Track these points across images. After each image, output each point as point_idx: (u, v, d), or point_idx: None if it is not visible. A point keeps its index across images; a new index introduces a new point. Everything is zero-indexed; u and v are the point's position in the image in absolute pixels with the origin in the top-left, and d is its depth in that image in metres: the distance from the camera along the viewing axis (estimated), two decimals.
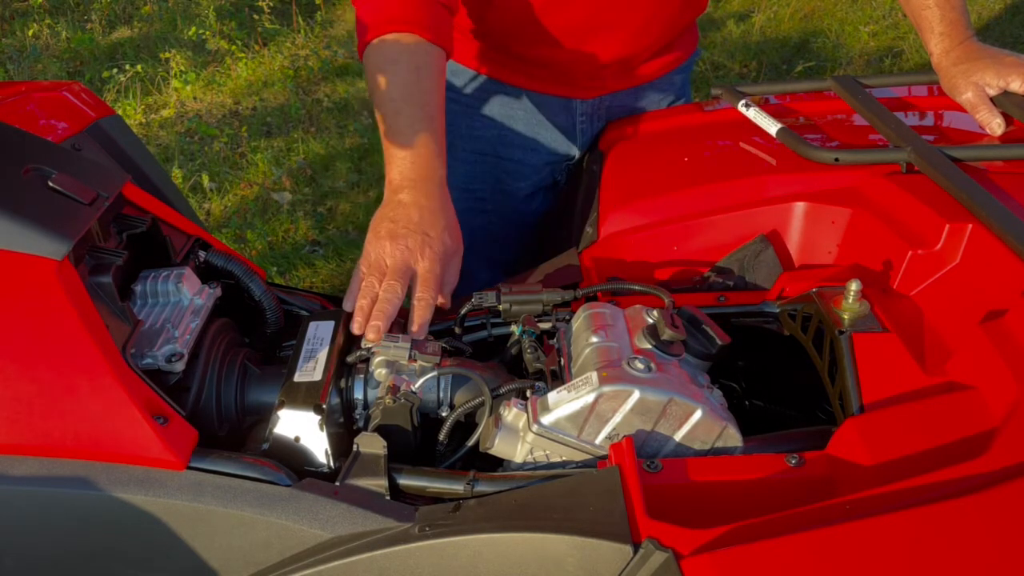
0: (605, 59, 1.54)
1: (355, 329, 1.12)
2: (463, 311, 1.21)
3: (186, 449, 0.96)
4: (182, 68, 4.21)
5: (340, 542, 0.91)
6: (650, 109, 1.71)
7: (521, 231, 1.80)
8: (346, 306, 1.17)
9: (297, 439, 1.02)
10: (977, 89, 1.39)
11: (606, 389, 0.92)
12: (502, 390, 1.05)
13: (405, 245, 1.16)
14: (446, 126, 1.69)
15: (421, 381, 1.07)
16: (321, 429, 1.02)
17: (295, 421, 1.02)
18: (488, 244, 1.81)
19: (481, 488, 0.95)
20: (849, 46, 4.38)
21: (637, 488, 0.85)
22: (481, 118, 1.66)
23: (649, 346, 1.01)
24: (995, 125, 1.37)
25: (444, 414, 1.08)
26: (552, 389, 0.98)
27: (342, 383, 1.10)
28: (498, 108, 1.64)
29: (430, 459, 1.05)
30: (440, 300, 1.19)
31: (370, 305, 1.13)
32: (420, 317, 1.14)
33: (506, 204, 1.75)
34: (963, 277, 1.11)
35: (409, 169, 1.24)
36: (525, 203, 1.75)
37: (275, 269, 3.01)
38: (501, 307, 1.19)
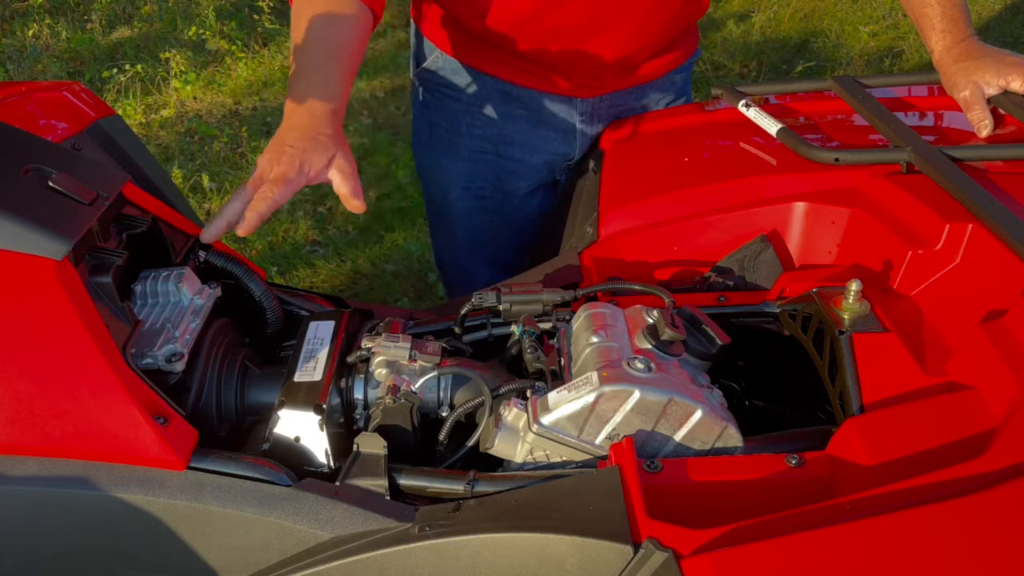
0: (605, 58, 1.54)
1: (204, 235, 1.13)
2: (463, 311, 1.21)
3: (186, 449, 0.96)
4: (182, 68, 4.21)
5: (340, 542, 0.91)
6: (651, 108, 1.71)
7: (521, 230, 1.80)
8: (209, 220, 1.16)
9: (297, 439, 1.02)
10: (975, 88, 1.38)
11: (606, 389, 0.92)
12: (502, 390, 1.04)
13: (267, 158, 1.16)
14: (448, 125, 1.69)
15: (421, 381, 1.07)
16: (321, 429, 1.02)
17: (295, 421, 1.02)
18: (489, 243, 1.81)
19: (481, 488, 0.95)
20: (849, 46, 4.38)
21: (637, 488, 0.85)
22: (482, 117, 1.66)
23: (649, 346, 1.01)
24: (983, 125, 1.37)
25: (444, 414, 1.08)
26: (552, 389, 0.98)
27: (342, 383, 1.10)
28: (499, 107, 1.65)
29: (430, 459, 1.05)
30: (344, 189, 1.17)
31: (237, 209, 1.13)
32: (255, 206, 1.10)
33: (506, 203, 1.75)
34: (963, 277, 1.10)
35: (299, 96, 1.24)
36: (525, 202, 1.75)
37: (275, 269, 3.01)
38: (501, 307, 1.19)
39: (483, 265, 1.84)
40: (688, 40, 1.72)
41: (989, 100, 1.39)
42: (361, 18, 1.32)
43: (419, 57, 1.70)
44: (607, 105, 1.66)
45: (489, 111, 1.65)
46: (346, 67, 1.27)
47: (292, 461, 1.01)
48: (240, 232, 1.09)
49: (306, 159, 1.14)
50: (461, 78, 1.64)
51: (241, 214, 1.10)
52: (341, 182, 1.16)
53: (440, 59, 1.65)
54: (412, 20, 1.72)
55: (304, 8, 1.29)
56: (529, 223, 1.79)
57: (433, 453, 1.06)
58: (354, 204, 1.17)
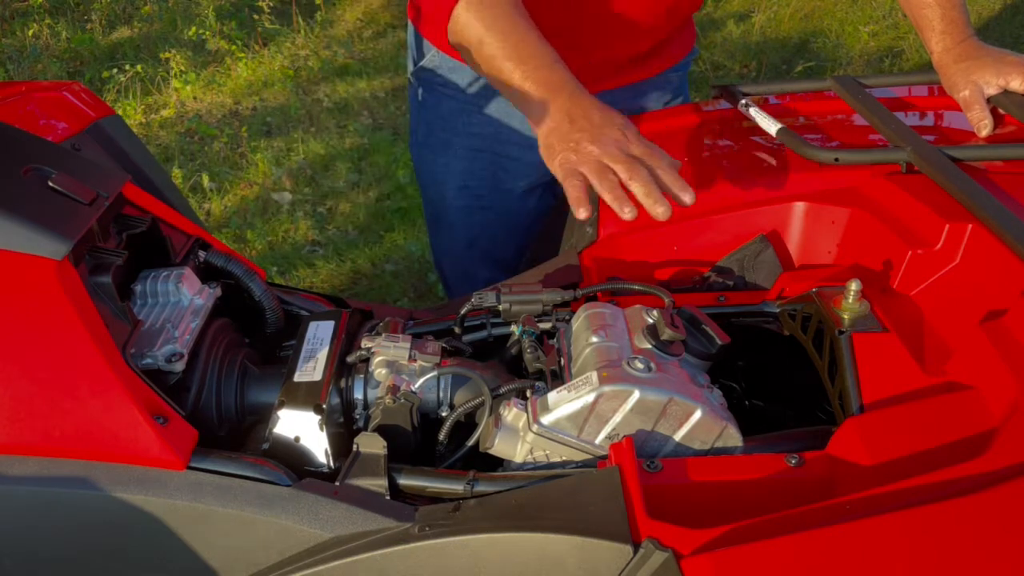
0: (601, 56, 1.54)
1: (661, 211, 1.06)
2: (463, 311, 1.21)
3: (186, 449, 0.96)
4: (182, 68, 4.21)
5: (340, 542, 0.91)
6: (647, 107, 1.71)
7: (520, 229, 1.80)
8: (580, 215, 1.09)
9: (297, 439, 1.02)
10: (975, 88, 1.39)
11: (606, 389, 0.92)
12: (502, 390, 1.04)
13: (611, 138, 1.12)
14: (445, 123, 1.69)
15: (421, 381, 1.07)
16: (321, 429, 1.02)
17: (295, 421, 1.02)
18: (487, 242, 1.81)
19: (481, 488, 0.95)
20: (849, 46, 4.38)
21: (637, 488, 0.85)
22: (479, 115, 1.66)
23: (649, 346, 1.01)
24: (983, 125, 1.37)
25: (444, 414, 1.08)
26: (552, 389, 0.98)
27: (342, 383, 1.10)
28: (495, 105, 1.64)
29: (430, 459, 1.05)
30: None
31: (624, 192, 1.07)
32: (677, 181, 1.08)
33: (504, 202, 1.74)
34: (963, 277, 1.10)
35: (547, 79, 1.22)
36: (523, 200, 1.75)
37: (275, 269, 3.01)
38: (501, 307, 1.19)
39: (482, 265, 1.84)
40: (685, 38, 1.71)
41: (989, 100, 1.39)
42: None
43: (417, 56, 1.71)
44: (604, 103, 1.66)
45: (486, 109, 1.65)
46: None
47: (292, 461, 1.01)
48: (689, 201, 1.07)
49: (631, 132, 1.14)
50: (458, 76, 1.65)
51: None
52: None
53: (437, 57, 1.65)
54: (409, 20, 1.72)
55: (489, 16, 1.27)
56: (527, 222, 1.78)
57: (433, 453, 1.06)
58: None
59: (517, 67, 1.23)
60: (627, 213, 1.07)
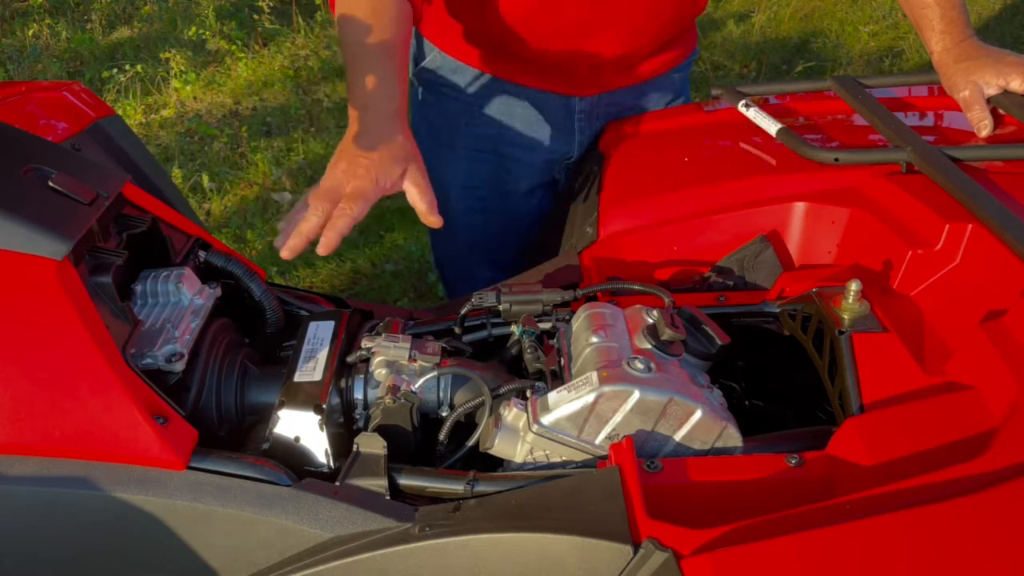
0: (604, 56, 1.54)
1: (284, 253, 1.08)
2: (463, 311, 1.21)
3: (186, 449, 0.96)
4: (182, 68, 4.21)
5: (340, 542, 0.91)
6: (649, 107, 1.71)
7: (521, 230, 1.80)
8: (284, 235, 1.11)
9: (297, 439, 1.02)
10: (975, 88, 1.39)
11: (606, 389, 0.92)
12: (502, 390, 1.04)
13: (341, 169, 1.14)
14: (447, 124, 1.69)
15: (421, 381, 1.07)
16: (321, 429, 1.02)
17: (295, 421, 1.02)
18: (489, 243, 1.81)
19: (481, 488, 0.95)
20: (849, 46, 4.38)
21: (637, 488, 0.85)
22: (481, 116, 1.66)
23: (649, 346, 1.01)
24: (983, 125, 1.37)
25: (444, 414, 1.08)
26: (552, 389, 0.98)
27: (342, 383, 1.10)
28: (497, 106, 1.65)
29: (430, 459, 1.05)
30: (422, 205, 1.16)
31: (315, 225, 1.09)
32: (334, 224, 1.08)
33: (506, 202, 1.75)
34: (963, 277, 1.10)
35: (361, 99, 1.22)
36: (525, 201, 1.75)
37: (275, 269, 3.01)
38: (501, 307, 1.19)
39: (483, 265, 1.84)
40: (687, 39, 1.72)
41: (989, 100, 1.39)
42: (404, 11, 1.32)
43: (418, 57, 1.71)
44: (606, 104, 1.66)
45: (488, 110, 1.65)
46: (399, 63, 1.26)
47: (292, 461, 1.01)
48: (321, 252, 1.06)
49: (381, 171, 1.13)
50: (460, 77, 1.65)
51: (318, 230, 1.08)
52: (417, 197, 1.16)
53: (439, 58, 1.65)
54: None
55: (346, 10, 1.29)
56: (529, 222, 1.79)
57: (433, 453, 1.06)
58: (431, 220, 1.16)
59: (350, 56, 1.26)
60: (294, 240, 1.09)
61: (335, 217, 1.08)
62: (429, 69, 1.68)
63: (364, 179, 1.12)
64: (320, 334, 1.16)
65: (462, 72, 1.64)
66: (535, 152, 1.69)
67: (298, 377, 1.08)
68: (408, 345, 1.10)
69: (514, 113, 1.65)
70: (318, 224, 1.09)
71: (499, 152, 1.69)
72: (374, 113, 1.19)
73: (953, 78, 1.41)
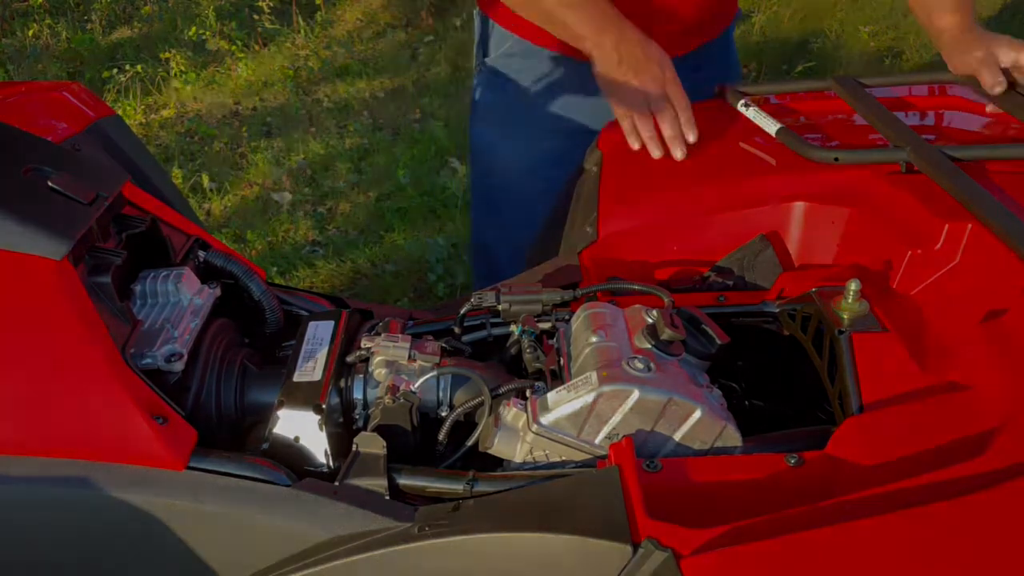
0: (673, 28, 1.60)
1: (656, 153, 1.38)
2: (463, 311, 1.21)
3: (185, 449, 0.96)
4: (182, 68, 4.21)
5: (340, 542, 0.91)
6: (703, 71, 1.71)
7: None
8: (633, 145, 1.40)
9: (297, 439, 1.02)
10: (988, 52, 1.42)
11: (606, 389, 0.92)
12: (502, 390, 1.04)
13: (651, 75, 1.38)
14: (514, 108, 1.72)
15: (420, 381, 1.07)
16: (321, 429, 1.02)
17: (295, 421, 1.02)
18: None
19: (481, 488, 0.95)
20: (849, 46, 4.38)
21: (637, 488, 0.85)
22: (551, 100, 1.68)
23: (649, 346, 1.01)
24: (997, 83, 1.41)
25: (443, 414, 1.08)
26: (552, 389, 0.98)
27: (342, 383, 1.10)
28: (567, 89, 1.67)
29: (430, 459, 1.05)
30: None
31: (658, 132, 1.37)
32: (689, 122, 1.37)
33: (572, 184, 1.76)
34: (963, 277, 1.10)
35: (598, 20, 1.42)
36: None
37: (275, 269, 3.01)
38: (500, 307, 1.19)
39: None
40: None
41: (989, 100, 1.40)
42: None
43: (485, 41, 1.71)
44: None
45: (557, 94, 1.66)
46: None
47: (291, 461, 1.01)
48: (692, 139, 1.36)
49: (666, 64, 1.40)
50: (533, 59, 1.66)
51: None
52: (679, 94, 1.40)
53: (510, 41, 1.66)
54: (478, 7, 1.74)
55: None
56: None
57: (433, 453, 1.06)
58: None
59: (569, 10, 1.44)
60: (655, 151, 1.39)
61: (683, 114, 1.37)
62: (502, 55, 1.69)
63: (674, 77, 1.39)
64: (319, 334, 1.16)
65: (535, 54, 1.65)
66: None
67: (297, 377, 1.08)
68: (408, 345, 1.10)
69: (583, 97, 1.64)
70: (673, 116, 1.37)
71: (568, 135, 1.68)
72: (624, 27, 1.41)
73: (967, 44, 1.44)
